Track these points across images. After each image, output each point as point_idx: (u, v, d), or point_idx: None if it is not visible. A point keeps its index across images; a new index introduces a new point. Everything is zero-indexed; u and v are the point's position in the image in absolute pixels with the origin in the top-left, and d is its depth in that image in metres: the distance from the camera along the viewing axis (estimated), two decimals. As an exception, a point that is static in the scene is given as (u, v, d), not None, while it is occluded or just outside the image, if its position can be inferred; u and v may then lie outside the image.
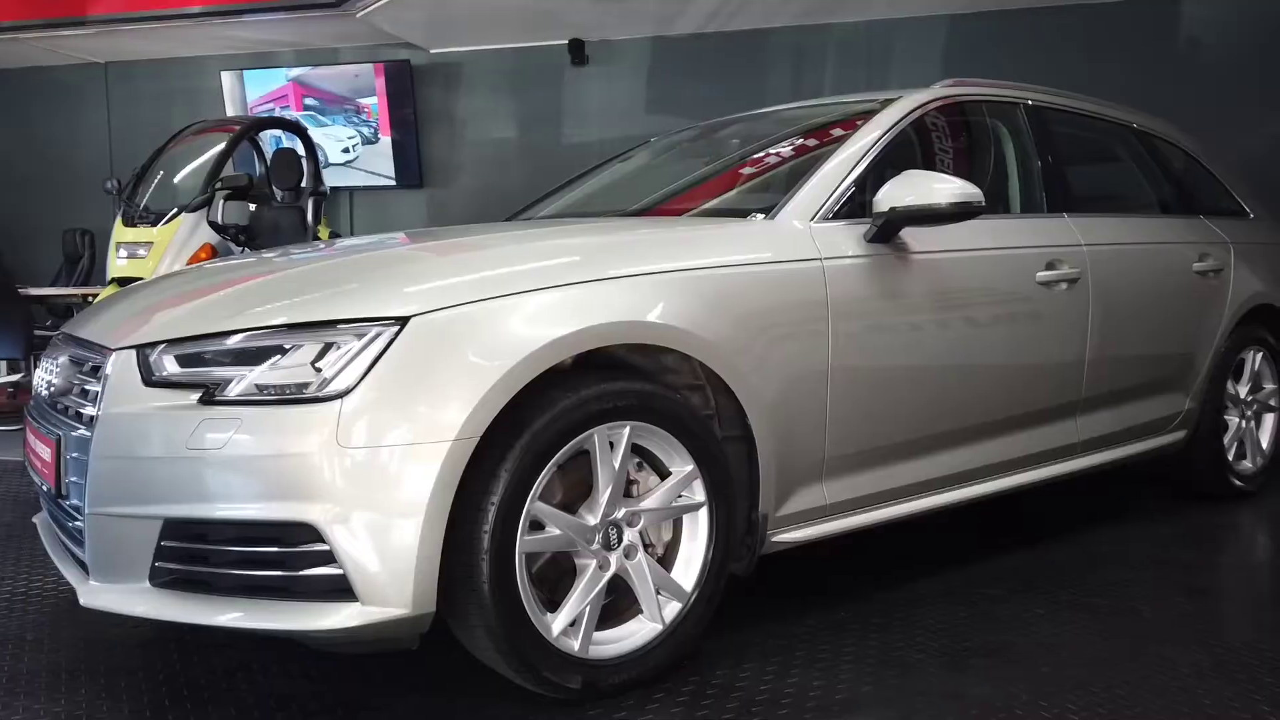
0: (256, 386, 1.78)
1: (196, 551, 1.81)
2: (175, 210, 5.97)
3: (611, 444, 2.00)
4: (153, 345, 1.88)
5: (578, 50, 7.15)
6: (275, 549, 1.77)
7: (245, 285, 2.07)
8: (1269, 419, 3.75)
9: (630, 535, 2.05)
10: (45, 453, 2.06)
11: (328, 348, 1.79)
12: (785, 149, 3.02)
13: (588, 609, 1.97)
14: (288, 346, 1.80)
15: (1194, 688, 2.05)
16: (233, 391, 1.78)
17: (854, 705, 1.97)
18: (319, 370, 1.78)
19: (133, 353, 1.88)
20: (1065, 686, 2.05)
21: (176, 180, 6.57)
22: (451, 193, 7.67)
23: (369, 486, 1.73)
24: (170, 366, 1.85)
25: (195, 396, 1.80)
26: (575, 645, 1.95)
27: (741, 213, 2.51)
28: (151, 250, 5.83)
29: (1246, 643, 2.31)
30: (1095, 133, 3.56)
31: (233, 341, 1.84)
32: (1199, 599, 2.63)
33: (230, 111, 7.79)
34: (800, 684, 2.07)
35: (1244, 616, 2.63)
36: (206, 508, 1.78)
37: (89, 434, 1.88)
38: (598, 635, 2.00)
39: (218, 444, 1.75)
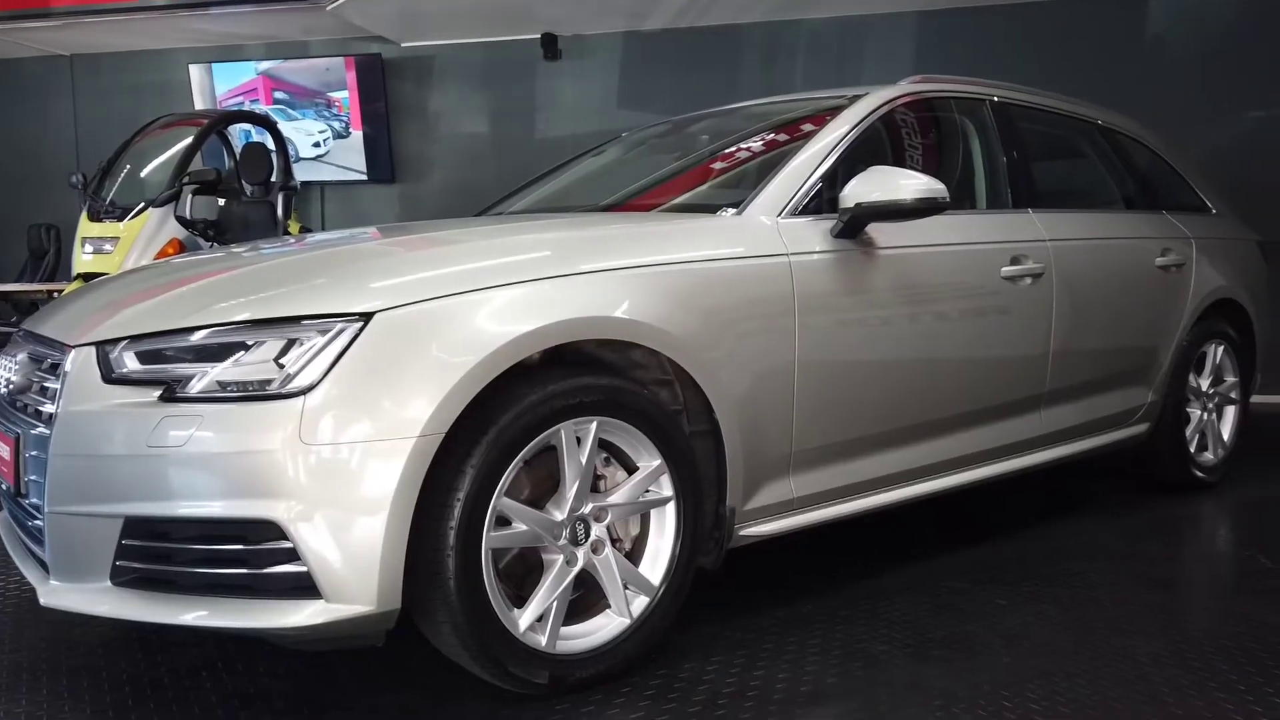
0: (218, 383, 1.77)
1: (158, 550, 1.79)
2: (142, 205, 5.91)
3: (579, 439, 2.00)
4: (113, 342, 1.86)
5: (550, 45, 7.12)
6: (238, 547, 1.76)
7: (208, 281, 2.04)
8: (1230, 411, 3.82)
9: (598, 530, 2.05)
10: (4, 451, 2.03)
11: (291, 344, 1.78)
12: (754, 144, 3.04)
13: (555, 604, 1.98)
14: (250, 343, 1.79)
15: (1152, 676, 2.08)
16: (194, 388, 1.77)
17: (819, 697, 1.99)
18: (282, 366, 1.77)
19: (92, 349, 1.86)
20: (1026, 676, 2.08)
21: (143, 174, 6.49)
22: (424, 187, 7.63)
23: (332, 483, 1.72)
24: (130, 363, 1.83)
25: (156, 394, 1.79)
26: (542, 640, 1.96)
27: (710, 208, 2.52)
28: (117, 245, 5.77)
29: (1205, 632, 2.35)
30: (1060, 129, 3.60)
31: (195, 338, 1.82)
32: (1160, 590, 2.67)
33: (199, 105, 7.70)
34: (766, 677, 2.08)
35: (1203, 606, 2.67)
36: (168, 506, 1.76)
37: (48, 432, 1.85)
38: (565, 630, 2.01)
39: (179, 441, 1.73)
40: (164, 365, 1.82)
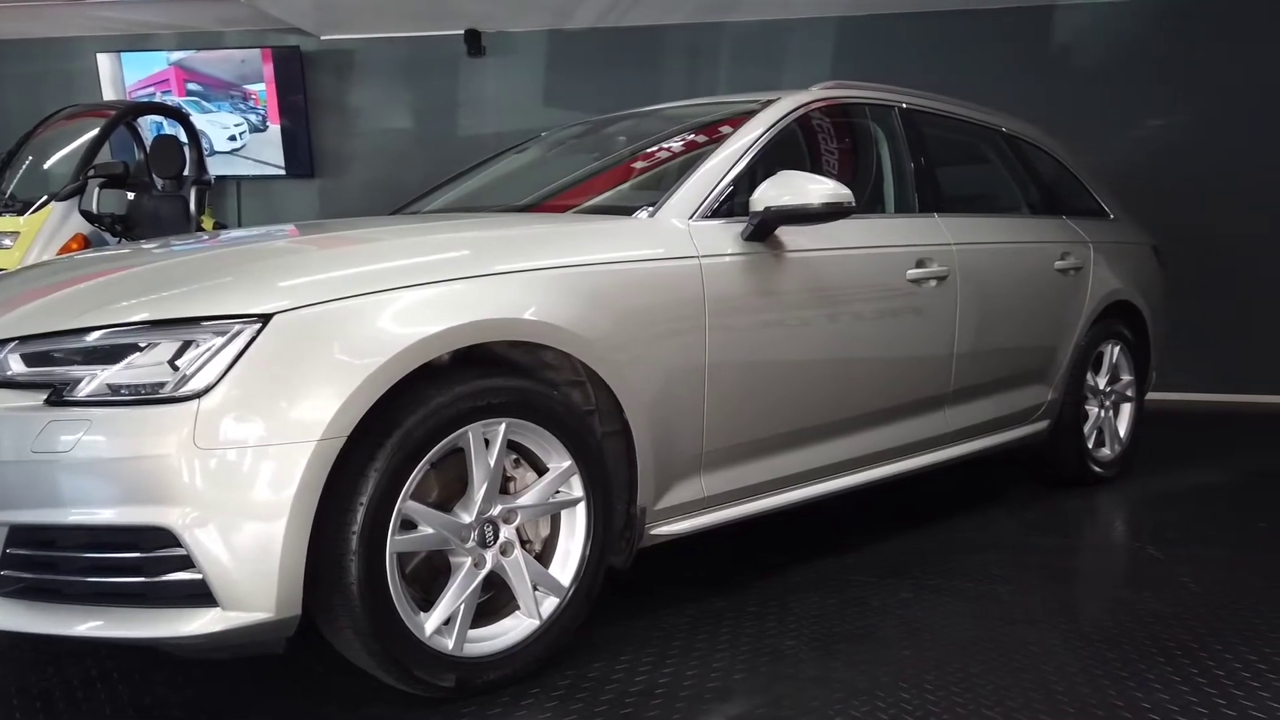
0: (109, 386, 1.72)
1: (46, 559, 1.74)
2: (44, 198, 5.68)
3: (487, 441, 2.00)
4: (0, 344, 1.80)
5: (474, 41, 7.06)
6: (131, 555, 1.71)
7: (103, 280, 1.98)
8: (1126, 408, 3.98)
9: (507, 532, 2.05)
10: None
11: (187, 345, 1.74)
12: (671, 146, 3.06)
13: (462, 607, 1.97)
14: (143, 345, 1.74)
15: (1042, 665, 2.16)
16: (82, 391, 1.72)
17: (726, 693, 2.02)
18: (177, 369, 1.72)
19: (-26, 351, 1.79)
20: (925, 668, 2.14)
21: (47, 167, 6.24)
22: (344, 183, 7.49)
23: (228, 488, 1.68)
24: (15, 365, 1.77)
25: (42, 397, 1.73)
26: (449, 644, 1.95)
27: (625, 210, 2.53)
28: (18, 240, 5.54)
29: (1093, 621, 2.46)
30: (965, 135, 3.71)
31: (86, 339, 1.77)
32: (1055, 580, 2.78)
33: (107, 95, 7.43)
34: (675, 674, 2.11)
35: (1095, 596, 2.79)
36: (55, 513, 1.70)
37: (-73, 437, 1.78)
38: (473, 633, 2.00)
39: (66, 446, 1.68)
40: (51, 368, 1.76)
